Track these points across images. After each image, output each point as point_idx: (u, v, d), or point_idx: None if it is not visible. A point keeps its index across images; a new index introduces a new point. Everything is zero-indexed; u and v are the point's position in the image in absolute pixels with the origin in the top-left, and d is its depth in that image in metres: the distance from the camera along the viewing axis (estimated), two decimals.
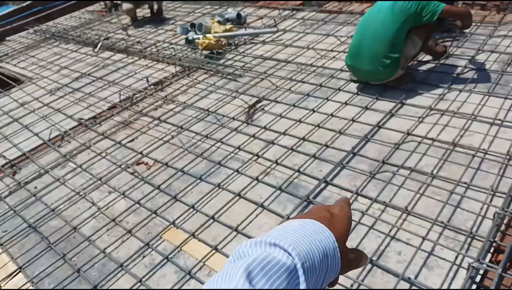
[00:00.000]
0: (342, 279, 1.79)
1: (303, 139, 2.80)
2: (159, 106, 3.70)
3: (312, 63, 3.85)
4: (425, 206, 2.08)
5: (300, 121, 3.02)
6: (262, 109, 3.30)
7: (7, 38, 7.39)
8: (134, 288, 1.97)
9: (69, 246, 2.32)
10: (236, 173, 2.62)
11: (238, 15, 5.34)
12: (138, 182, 2.73)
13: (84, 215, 2.53)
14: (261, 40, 4.74)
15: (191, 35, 4.93)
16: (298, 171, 2.50)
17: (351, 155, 2.55)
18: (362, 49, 3.07)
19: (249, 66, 4.10)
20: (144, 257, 2.14)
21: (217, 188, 2.52)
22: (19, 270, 2.23)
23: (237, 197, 2.42)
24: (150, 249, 2.17)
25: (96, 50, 5.53)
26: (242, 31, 5.03)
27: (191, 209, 2.39)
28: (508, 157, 2.25)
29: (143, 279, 1.99)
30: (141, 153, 3.02)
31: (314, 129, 2.89)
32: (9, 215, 2.68)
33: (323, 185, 2.36)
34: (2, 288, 2.13)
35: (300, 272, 0.46)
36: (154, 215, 2.41)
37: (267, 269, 0.44)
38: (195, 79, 4.09)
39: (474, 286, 1.62)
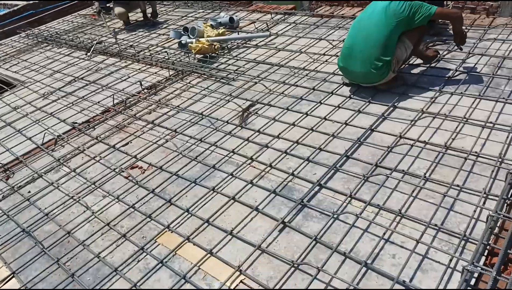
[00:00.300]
0: (336, 282, 1.80)
1: (297, 142, 2.82)
2: (153, 110, 3.70)
3: (304, 67, 3.88)
4: (418, 209, 2.10)
5: (293, 124, 3.03)
6: (256, 112, 3.31)
7: None
8: None
9: (63, 251, 2.30)
10: (230, 176, 2.63)
11: (231, 19, 5.36)
12: (133, 186, 2.72)
13: (78, 220, 2.51)
14: (254, 44, 4.76)
15: (184, 39, 4.93)
16: (292, 174, 2.52)
17: (345, 158, 2.57)
18: (355, 51, 3.10)
19: (242, 70, 4.11)
20: (138, 261, 2.13)
21: (212, 191, 2.53)
22: (12, 275, 2.21)
23: (232, 201, 2.42)
24: (144, 253, 2.17)
25: (89, 54, 5.51)
26: (235, 35, 5.05)
27: (186, 213, 2.39)
28: (500, 160, 2.28)
29: (138, 284, 1.98)
30: (135, 157, 3.02)
31: (307, 132, 2.91)
32: (2, 220, 2.65)
33: (317, 188, 2.37)
34: None
35: None
36: (148, 219, 2.40)
37: None
38: (189, 83, 4.10)
39: (469, 289, 1.63)
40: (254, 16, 5.87)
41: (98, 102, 4.03)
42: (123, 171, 2.88)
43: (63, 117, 3.87)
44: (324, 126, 2.95)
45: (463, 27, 3.10)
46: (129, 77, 4.52)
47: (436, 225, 1.96)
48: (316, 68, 3.83)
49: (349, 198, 2.25)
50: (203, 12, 6.47)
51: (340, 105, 3.15)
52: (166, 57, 4.76)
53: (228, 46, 4.87)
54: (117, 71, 4.78)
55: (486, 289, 1.56)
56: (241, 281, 1.91)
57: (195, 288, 1.92)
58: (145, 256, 2.15)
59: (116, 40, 5.81)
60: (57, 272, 2.17)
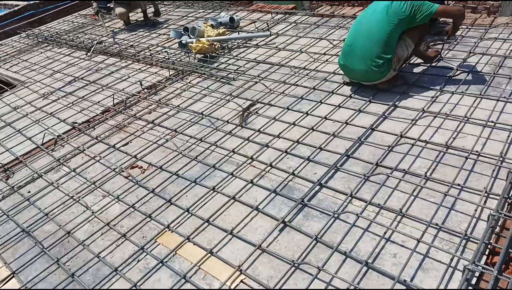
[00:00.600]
0: (337, 282, 1.79)
1: (297, 142, 2.81)
2: (153, 110, 3.69)
3: (305, 66, 3.87)
4: (419, 208, 2.09)
5: (294, 124, 3.02)
6: (256, 112, 3.30)
7: None
8: None
9: (63, 251, 2.30)
10: (231, 176, 2.62)
11: (231, 19, 5.35)
12: (133, 186, 2.71)
13: (78, 220, 2.51)
14: (254, 44, 4.76)
15: (184, 39, 4.93)
16: (293, 173, 2.51)
17: (345, 157, 2.56)
18: (355, 49, 3.09)
19: (242, 70, 4.11)
20: (138, 261, 2.13)
21: (212, 191, 2.52)
22: (12, 275, 2.20)
23: (232, 200, 2.41)
24: (145, 253, 2.16)
25: (89, 54, 5.51)
26: (235, 35, 5.05)
27: (186, 213, 2.39)
28: (501, 159, 2.27)
29: (138, 284, 1.97)
30: (135, 156, 3.01)
31: (308, 132, 2.90)
32: (2, 220, 2.65)
33: (317, 187, 2.37)
34: None
35: None
36: (148, 219, 2.39)
37: None
38: (189, 82, 4.09)
39: (470, 288, 1.63)
40: (255, 15, 5.86)
41: (98, 102, 4.02)
42: (123, 171, 2.87)
43: (63, 117, 3.87)
44: (325, 126, 2.94)
45: (464, 26, 3.08)
46: (129, 77, 4.52)
47: (437, 224, 1.95)
48: (316, 67, 3.83)
49: (350, 198, 2.24)
50: (203, 12, 6.47)
51: (341, 105, 3.14)
52: (166, 57, 4.75)
53: (229, 45, 4.86)
54: (117, 71, 4.77)
55: (487, 289, 1.55)
56: (241, 281, 1.91)
57: (195, 288, 1.91)
58: (145, 256, 2.15)
59: (114, 40, 5.81)
60: (57, 272, 2.16)
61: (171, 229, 2.28)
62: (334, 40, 4.29)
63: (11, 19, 8.05)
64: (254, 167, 2.68)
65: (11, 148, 3.50)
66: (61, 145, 3.42)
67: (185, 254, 2.11)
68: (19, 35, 7.47)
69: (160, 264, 2.07)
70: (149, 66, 4.74)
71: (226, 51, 4.73)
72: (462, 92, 2.98)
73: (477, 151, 2.36)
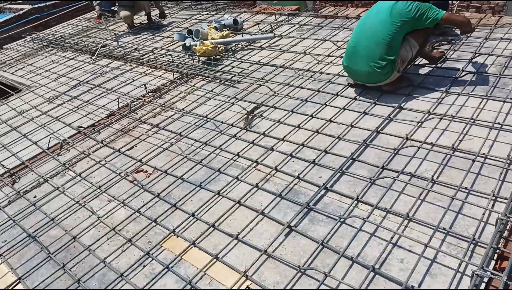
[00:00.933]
0: (344, 288, 1.78)
1: (302, 145, 2.80)
2: (158, 113, 3.70)
3: (309, 68, 3.86)
4: (426, 212, 2.07)
5: (298, 127, 3.01)
6: (261, 115, 3.30)
7: (4, 46, 7.39)
8: None
9: (69, 256, 2.30)
10: (236, 180, 2.61)
11: (235, 21, 5.35)
12: (138, 190, 2.72)
13: (84, 224, 2.51)
14: (258, 46, 4.75)
15: (188, 41, 4.94)
16: (298, 177, 2.50)
17: (351, 160, 2.54)
18: (359, 50, 3.08)
19: (246, 72, 4.10)
20: (144, 266, 2.13)
21: (217, 195, 2.51)
22: (18, 281, 2.21)
23: (237, 205, 2.41)
24: (150, 259, 2.16)
25: (93, 57, 5.53)
26: (239, 37, 5.04)
27: (191, 217, 2.38)
28: (508, 161, 2.24)
29: (144, 289, 1.97)
30: (140, 161, 3.01)
31: (313, 134, 2.89)
32: (8, 225, 2.66)
33: (323, 191, 2.36)
34: None
35: None
36: (154, 224, 2.39)
37: None
38: (193, 85, 4.09)
39: None
40: (258, 17, 5.86)
41: (103, 105, 4.04)
42: (128, 175, 2.88)
43: (68, 121, 3.88)
44: (330, 128, 2.93)
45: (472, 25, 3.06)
46: (134, 80, 4.53)
47: (444, 228, 1.94)
48: (320, 69, 3.81)
49: (356, 202, 2.22)
50: (207, 14, 6.47)
51: (346, 107, 3.13)
52: (171, 60, 4.76)
53: (232, 48, 4.86)
54: (122, 74, 4.79)
55: None
56: (247, 287, 1.90)
57: None
58: (150, 261, 2.15)
59: (118, 43, 5.82)
60: (63, 278, 2.16)
61: (177, 234, 2.28)
62: (338, 41, 4.28)
63: (16, 23, 8.10)
64: (259, 171, 2.67)
65: (17, 152, 3.51)
66: (66, 149, 3.43)
67: (191, 259, 2.11)
68: (24, 39, 7.51)
69: (166, 270, 2.07)
70: (153, 69, 4.75)
71: (230, 54, 4.73)
72: (468, 93, 2.96)
73: (484, 154, 2.34)
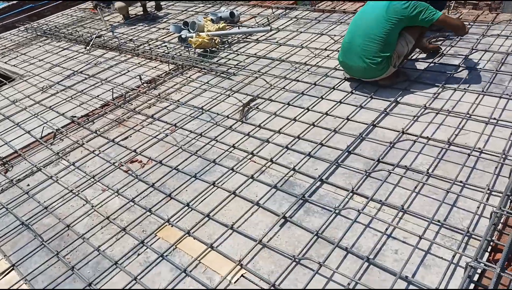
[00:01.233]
0: (338, 277, 1.79)
1: (298, 137, 2.79)
2: (153, 104, 3.67)
3: (306, 62, 3.85)
4: (421, 205, 2.08)
5: (294, 119, 3.01)
6: (257, 107, 3.29)
7: None
8: (128, 286, 1.94)
9: (63, 244, 2.28)
10: (231, 171, 2.61)
11: (231, 13, 5.32)
12: (132, 180, 2.70)
13: (78, 213, 2.49)
14: (255, 39, 4.73)
15: (184, 33, 4.90)
16: (293, 169, 2.50)
17: (346, 153, 2.55)
18: (354, 46, 3.07)
19: (242, 65, 4.08)
20: (139, 255, 2.12)
21: (212, 186, 2.51)
22: (12, 267, 2.19)
23: (232, 195, 2.40)
24: (145, 247, 2.15)
25: (88, 48, 5.47)
26: (235, 29, 5.02)
27: (186, 207, 2.37)
28: (503, 156, 2.26)
29: (138, 277, 1.96)
30: (134, 151, 2.99)
31: (309, 127, 2.89)
32: (1, 213, 2.63)
33: (318, 183, 2.36)
34: None
35: None
36: (148, 213, 2.38)
37: None
38: (189, 77, 4.07)
39: (472, 286, 1.62)
40: (255, 10, 5.83)
41: (97, 96, 4.00)
42: (122, 165, 2.86)
43: (62, 110, 3.84)
44: (326, 121, 2.93)
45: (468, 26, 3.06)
46: (129, 71, 4.49)
47: (439, 221, 1.95)
48: (317, 63, 3.81)
49: (351, 194, 2.23)
50: (203, 6, 6.43)
51: (342, 100, 3.12)
52: (166, 51, 4.72)
53: (229, 40, 4.84)
54: (117, 65, 4.74)
55: (489, 288, 1.54)
56: (242, 275, 1.90)
57: (196, 282, 1.90)
58: (145, 250, 2.14)
59: (113, 34, 5.77)
60: (57, 265, 2.15)
61: (171, 223, 2.27)
62: (335, 35, 4.27)
63: (9, 12, 7.98)
64: (255, 162, 2.66)
65: (10, 141, 3.47)
66: (60, 139, 3.40)
67: (185, 248, 2.10)
68: (17, 29, 7.41)
69: (160, 258, 2.06)
70: (148, 60, 4.71)
71: (226, 46, 4.70)
72: (464, 89, 2.97)
73: (479, 148, 2.35)
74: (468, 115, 2.66)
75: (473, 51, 3.46)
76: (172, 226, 2.26)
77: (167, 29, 5.60)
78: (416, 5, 2.88)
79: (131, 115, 3.53)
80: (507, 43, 3.53)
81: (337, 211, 2.13)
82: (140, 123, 3.38)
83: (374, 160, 2.42)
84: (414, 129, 2.65)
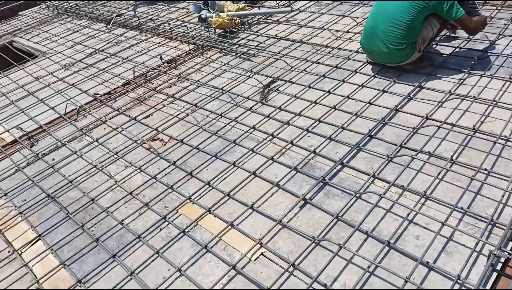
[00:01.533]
0: (358, 260, 1.80)
1: (319, 120, 2.78)
2: (173, 84, 3.69)
3: (327, 44, 3.80)
4: (444, 191, 2.07)
5: (315, 102, 2.99)
6: (277, 89, 3.27)
7: (20, 13, 7.34)
8: (151, 258, 2.00)
9: (88, 217, 2.35)
10: (251, 152, 2.62)
11: None
12: (154, 158, 2.74)
13: (102, 188, 2.55)
14: (275, 20, 4.68)
15: (204, 13, 4.87)
16: (314, 152, 2.50)
17: (368, 137, 2.53)
18: (377, 31, 3.01)
19: (263, 46, 4.05)
20: (161, 229, 2.17)
21: (232, 166, 2.53)
22: (38, 237, 2.27)
23: (253, 176, 2.42)
24: (167, 223, 2.20)
25: (109, 26, 5.49)
26: (256, 10, 4.96)
27: (207, 186, 2.41)
28: None
29: (161, 251, 2.02)
30: (156, 129, 3.03)
31: (330, 110, 2.87)
32: (27, 185, 2.71)
33: (339, 166, 2.35)
34: (22, 254, 2.17)
35: None
36: (170, 190, 2.42)
37: None
38: (209, 57, 4.06)
39: (495, 274, 1.61)
40: None
41: (119, 74, 4.03)
42: (144, 143, 2.90)
43: (84, 88, 3.89)
44: (347, 105, 2.90)
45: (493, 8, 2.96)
46: (149, 50, 4.50)
47: (462, 208, 1.93)
48: (339, 45, 3.75)
49: (372, 178, 2.22)
50: None
51: (364, 84, 3.09)
52: (186, 31, 4.71)
53: (249, 21, 4.79)
54: (137, 44, 4.76)
55: None
56: (261, 254, 1.93)
57: (216, 257, 1.94)
58: (167, 225, 2.18)
59: (135, 13, 5.77)
60: (82, 237, 2.22)
61: (192, 200, 2.31)
62: (357, 17, 4.19)
63: None
64: (275, 144, 2.67)
65: (35, 116, 3.54)
66: (83, 115, 3.45)
67: (206, 225, 2.14)
68: (39, 6, 7.45)
69: (182, 234, 2.11)
70: (168, 40, 4.71)
71: (246, 27, 4.66)
72: (490, 75, 2.90)
73: (505, 136, 2.31)
74: (494, 102, 2.60)
75: (500, 36, 3.36)
76: (193, 204, 2.30)
77: (187, 9, 5.57)
78: None
79: (152, 94, 3.56)
80: None
81: (357, 195, 2.14)
82: (161, 102, 3.41)
83: (396, 145, 2.40)
84: (438, 115, 2.61)
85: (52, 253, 2.15)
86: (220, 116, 3.06)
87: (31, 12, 7.24)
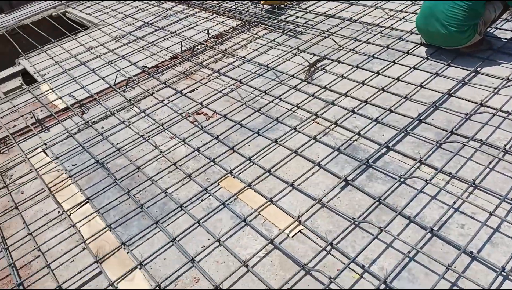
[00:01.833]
0: (398, 244, 1.77)
1: (366, 102, 2.71)
2: (219, 59, 3.71)
3: (379, 24, 3.66)
4: (494, 181, 1.97)
5: (363, 83, 2.91)
6: (323, 68, 3.21)
7: None
8: (192, 227, 2.07)
9: (133, 184, 2.45)
10: (293, 130, 2.61)
11: None
12: (198, 131, 2.80)
13: (147, 157, 2.65)
14: None
15: None
16: (358, 134, 2.45)
17: (417, 122, 2.44)
18: (437, 11, 2.85)
19: (311, 23, 3.97)
20: (202, 200, 2.23)
21: (274, 143, 2.53)
22: (87, 201, 2.40)
23: (294, 154, 2.42)
24: (208, 194, 2.26)
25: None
26: None
27: (248, 161, 2.43)
28: None
29: (201, 221, 2.08)
30: (200, 103, 3.07)
31: (378, 92, 2.79)
32: (78, 151, 2.86)
33: (384, 150, 2.30)
34: (71, 215, 2.32)
35: None
36: (212, 163, 2.48)
37: None
38: (255, 34, 4.03)
39: None
40: None
41: (166, 48, 4.10)
42: (189, 116, 2.96)
43: (133, 60, 4.00)
44: (397, 87, 2.80)
45: None
46: (197, 25, 4.53)
47: None
48: (391, 25, 3.60)
49: (419, 163, 2.15)
50: None
51: (416, 66, 2.96)
52: (234, 7, 4.69)
53: None
54: (185, 18, 4.80)
55: None
56: (299, 231, 1.94)
57: (255, 231, 1.98)
58: (208, 197, 2.24)
59: None
60: (127, 202, 2.32)
61: (233, 175, 2.35)
62: None
63: None
64: (318, 123, 2.64)
65: (86, 86, 3.70)
66: (131, 87, 3.57)
67: (246, 199, 2.18)
68: None
69: (222, 206, 2.16)
70: (216, 15, 4.71)
71: (295, 3, 4.57)
72: None
73: None
74: None
75: None
76: (234, 177, 2.33)
77: None
78: None
79: (198, 69, 3.61)
80: None
81: (402, 180, 2.08)
82: (206, 76, 3.45)
83: (447, 131, 2.31)
84: (493, 102, 2.46)
85: (99, 216, 2.28)
86: (264, 93, 3.05)
87: None
